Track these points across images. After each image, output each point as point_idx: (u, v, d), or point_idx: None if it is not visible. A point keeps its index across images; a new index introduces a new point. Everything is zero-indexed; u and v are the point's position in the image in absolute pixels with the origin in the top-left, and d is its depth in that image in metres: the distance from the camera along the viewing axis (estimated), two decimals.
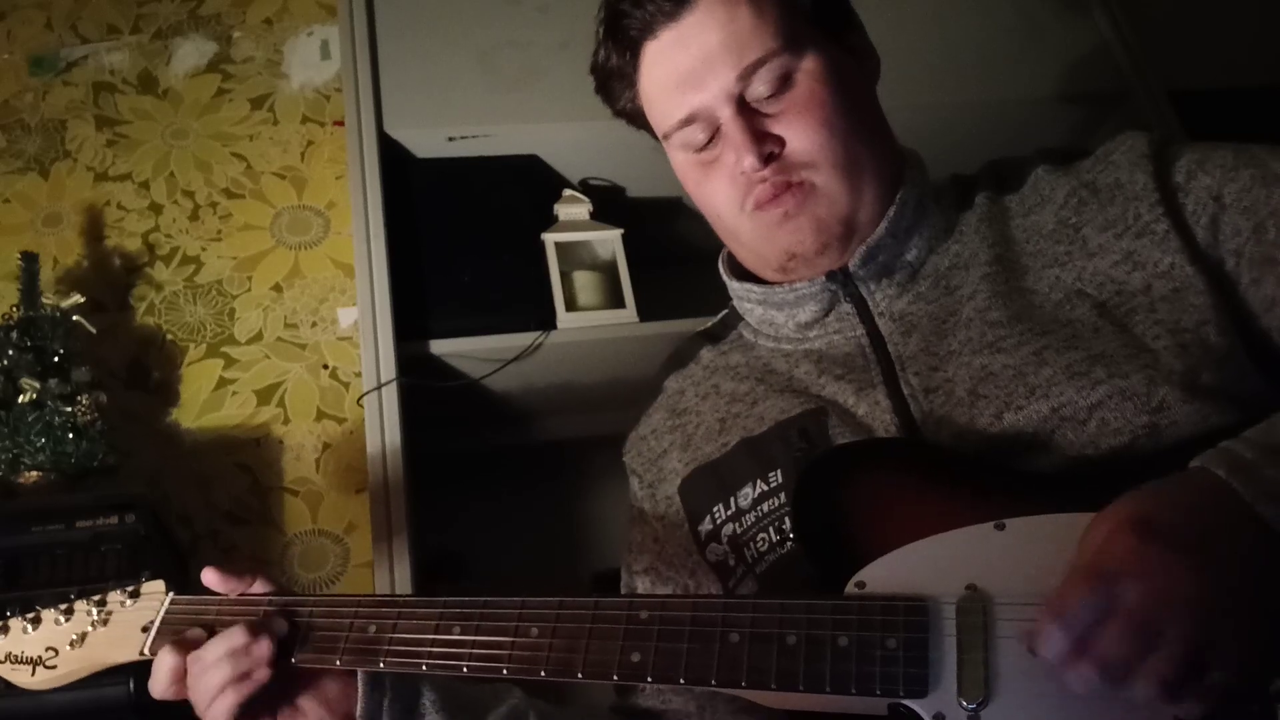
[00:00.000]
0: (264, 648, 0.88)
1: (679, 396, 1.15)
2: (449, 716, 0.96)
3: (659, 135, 1.05)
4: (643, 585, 1.12)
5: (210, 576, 0.95)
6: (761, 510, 0.98)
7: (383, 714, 0.93)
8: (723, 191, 1.00)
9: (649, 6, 0.97)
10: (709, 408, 1.10)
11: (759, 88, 0.97)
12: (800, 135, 0.97)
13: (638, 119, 1.07)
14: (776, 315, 1.07)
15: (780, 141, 0.97)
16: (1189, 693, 0.65)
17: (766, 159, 0.96)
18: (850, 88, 1.00)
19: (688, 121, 0.99)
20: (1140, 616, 0.65)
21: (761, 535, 0.98)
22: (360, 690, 0.92)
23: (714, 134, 0.99)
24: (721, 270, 1.12)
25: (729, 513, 1.01)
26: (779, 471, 0.98)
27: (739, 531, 1.00)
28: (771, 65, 0.96)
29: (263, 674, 0.88)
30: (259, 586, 0.95)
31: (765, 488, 0.99)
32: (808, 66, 0.98)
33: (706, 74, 0.96)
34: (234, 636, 0.88)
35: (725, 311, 1.18)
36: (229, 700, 0.87)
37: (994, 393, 0.92)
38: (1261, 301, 0.91)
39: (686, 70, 0.97)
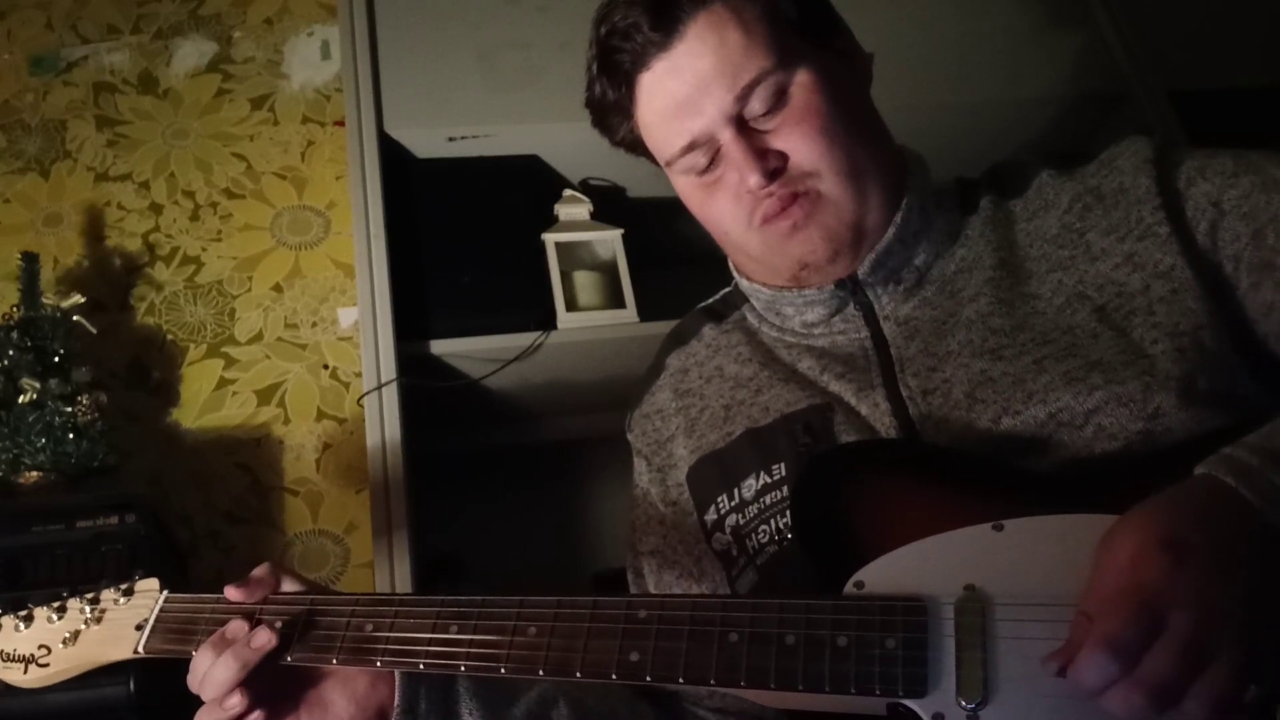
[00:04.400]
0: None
1: (682, 376, 1.15)
2: (483, 703, 0.96)
3: (661, 163, 1.05)
4: (649, 566, 1.12)
5: (233, 593, 0.93)
6: (764, 502, 0.99)
7: (420, 700, 0.93)
8: (729, 210, 1.00)
9: (638, 38, 0.97)
10: (713, 391, 1.10)
11: (755, 106, 0.97)
12: (801, 147, 0.97)
13: (637, 148, 1.07)
14: (786, 309, 1.07)
15: (782, 156, 0.97)
16: (1198, 701, 0.64)
17: (771, 175, 0.96)
18: (845, 93, 1.00)
19: (689, 148, 0.99)
20: (1192, 641, 0.64)
21: (763, 527, 0.98)
22: (397, 679, 0.92)
23: (715, 156, 0.99)
24: (733, 270, 1.13)
25: (732, 503, 1.02)
26: (782, 465, 0.99)
27: (741, 523, 1.00)
28: (766, 83, 0.96)
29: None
30: (289, 585, 0.94)
31: (768, 480, 0.99)
32: (801, 79, 0.97)
33: (703, 99, 0.96)
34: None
35: (728, 289, 1.19)
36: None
37: (992, 397, 0.92)
38: (1259, 306, 0.91)
39: (683, 98, 0.97)
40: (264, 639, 0.88)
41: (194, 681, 0.89)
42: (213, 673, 0.87)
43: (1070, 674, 0.67)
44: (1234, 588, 0.66)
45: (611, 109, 1.04)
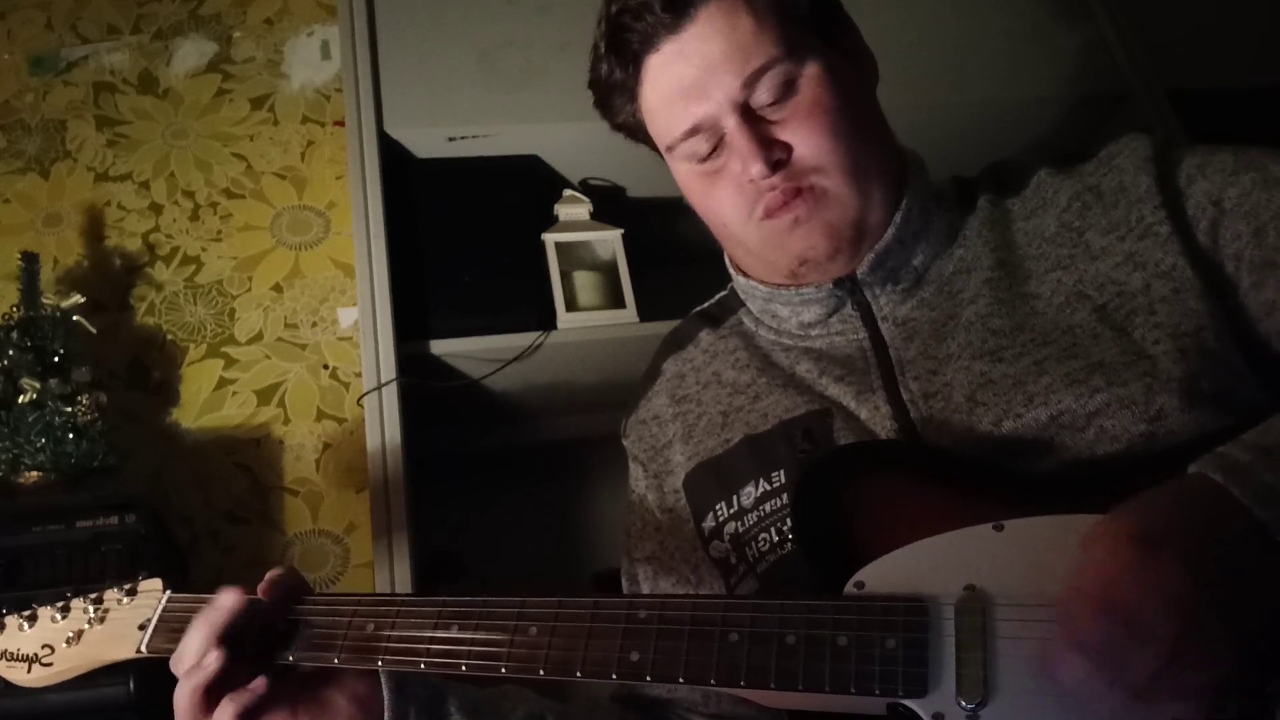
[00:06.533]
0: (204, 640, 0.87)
1: (679, 381, 1.14)
2: None
3: (662, 148, 1.04)
4: (644, 573, 1.11)
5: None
6: (764, 510, 0.98)
7: (410, 718, 0.92)
8: (730, 201, 0.99)
9: (649, 19, 0.96)
10: (710, 398, 1.09)
11: (762, 95, 0.96)
12: (807, 140, 0.96)
13: (638, 133, 1.06)
14: (781, 309, 1.07)
15: (787, 148, 0.96)
16: (1168, 691, 0.65)
17: (774, 166, 0.95)
18: (853, 91, 1.00)
19: (692, 132, 0.98)
20: (1161, 636, 0.65)
21: (763, 535, 0.98)
22: (386, 698, 0.91)
23: (718, 144, 0.98)
24: (729, 266, 1.12)
25: (731, 511, 1.01)
26: (782, 472, 0.98)
27: (741, 530, 1.00)
28: (775, 72, 0.95)
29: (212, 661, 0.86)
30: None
31: (768, 487, 0.99)
32: (810, 72, 0.97)
33: (710, 83, 0.96)
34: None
35: (724, 293, 1.18)
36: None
37: (993, 400, 0.91)
38: (1261, 306, 0.91)
39: (690, 81, 0.96)
40: (230, 599, 0.88)
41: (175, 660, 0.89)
42: (186, 641, 0.87)
43: (1048, 675, 0.68)
44: (1197, 574, 0.66)
45: (616, 89, 1.03)
